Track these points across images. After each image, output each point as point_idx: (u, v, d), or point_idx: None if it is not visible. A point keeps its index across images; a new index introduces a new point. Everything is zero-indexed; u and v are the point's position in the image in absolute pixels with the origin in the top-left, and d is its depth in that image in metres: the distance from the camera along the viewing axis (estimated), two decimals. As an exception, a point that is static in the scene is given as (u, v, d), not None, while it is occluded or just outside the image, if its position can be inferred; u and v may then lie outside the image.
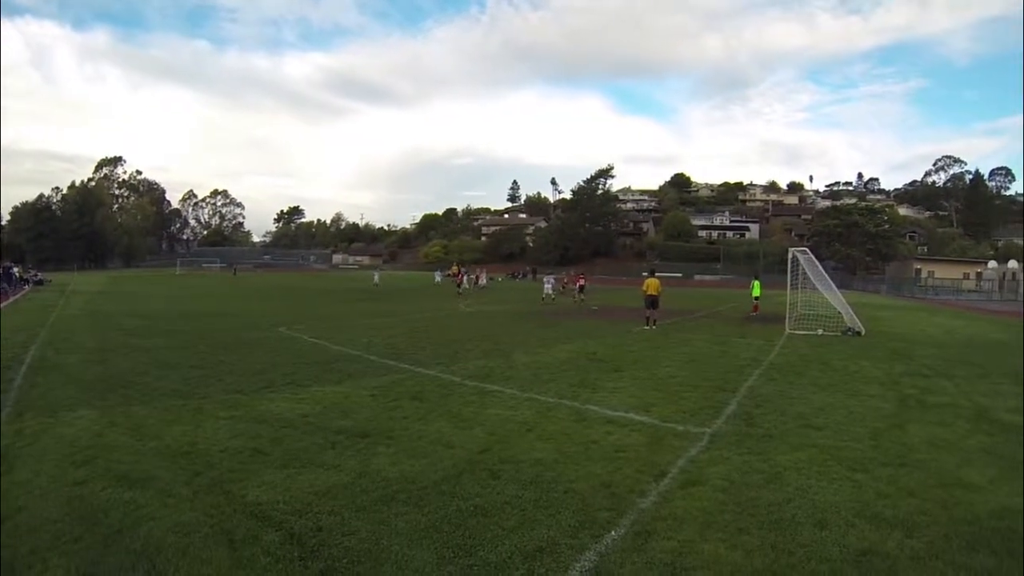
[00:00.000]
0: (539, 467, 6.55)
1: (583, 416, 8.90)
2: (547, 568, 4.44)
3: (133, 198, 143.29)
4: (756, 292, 28.91)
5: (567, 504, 5.55)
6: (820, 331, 20.49)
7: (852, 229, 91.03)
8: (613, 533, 4.97)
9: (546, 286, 38.25)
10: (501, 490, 5.89)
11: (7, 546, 4.75)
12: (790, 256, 23.49)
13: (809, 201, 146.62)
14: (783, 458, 6.94)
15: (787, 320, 21.64)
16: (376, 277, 57.52)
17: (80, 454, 6.94)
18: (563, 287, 42.86)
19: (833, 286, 22.85)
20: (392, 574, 4.41)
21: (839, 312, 21.73)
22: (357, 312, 27.79)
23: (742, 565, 4.50)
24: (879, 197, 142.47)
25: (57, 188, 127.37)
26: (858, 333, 20.34)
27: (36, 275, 55.11)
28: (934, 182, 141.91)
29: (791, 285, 23.02)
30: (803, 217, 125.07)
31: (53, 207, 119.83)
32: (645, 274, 24.27)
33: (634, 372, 12.69)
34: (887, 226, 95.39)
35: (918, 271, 74.82)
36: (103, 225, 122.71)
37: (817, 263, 23.17)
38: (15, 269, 49.21)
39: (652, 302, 21.86)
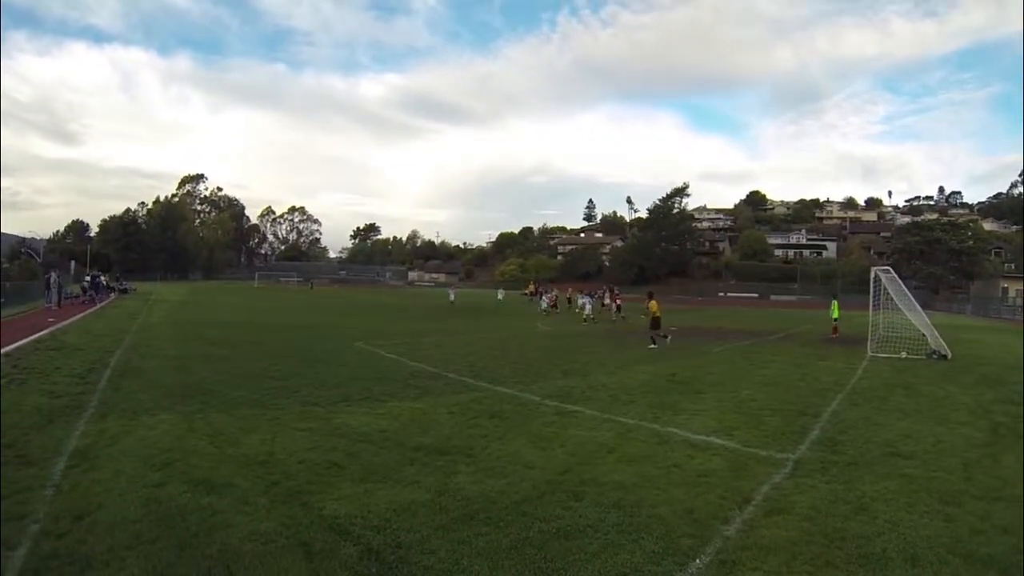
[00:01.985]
0: (621, 490, 6.47)
1: (664, 439, 8.80)
2: None
3: (214, 213, 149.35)
4: (835, 314, 27.82)
5: (650, 529, 5.46)
6: (904, 354, 19.65)
7: (934, 246, 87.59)
8: (698, 561, 4.86)
9: (585, 305, 37.55)
10: (583, 513, 5.81)
11: (85, 541, 4.89)
12: (872, 275, 22.65)
13: (888, 217, 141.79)
14: (870, 488, 6.72)
15: (869, 342, 20.93)
16: (452, 295, 58.00)
17: (159, 457, 7.15)
18: (602, 306, 42.11)
19: (917, 306, 21.94)
20: (472, 595, 4.32)
21: (923, 334, 20.89)
22: (433, 329, 27.96)
23: None
24: (962, 211, 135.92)
25: (143, 203, 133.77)
26: (944, 356, 19.52)
27: (122, 283, 57.65)
28: (1021, 194, 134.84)
29: (873, 305, 22.33)
30: (882, 234, 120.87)
31: (139, 221, 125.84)
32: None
33: (715, 395, 12.48)
34: (971, 242, 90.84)
35: (1005, 289, 70.91)
36: (185, 238, 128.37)
37: (900, 282, 22.21)
38: (103, 277, 51.58)
39: (655, 323, 23.03)
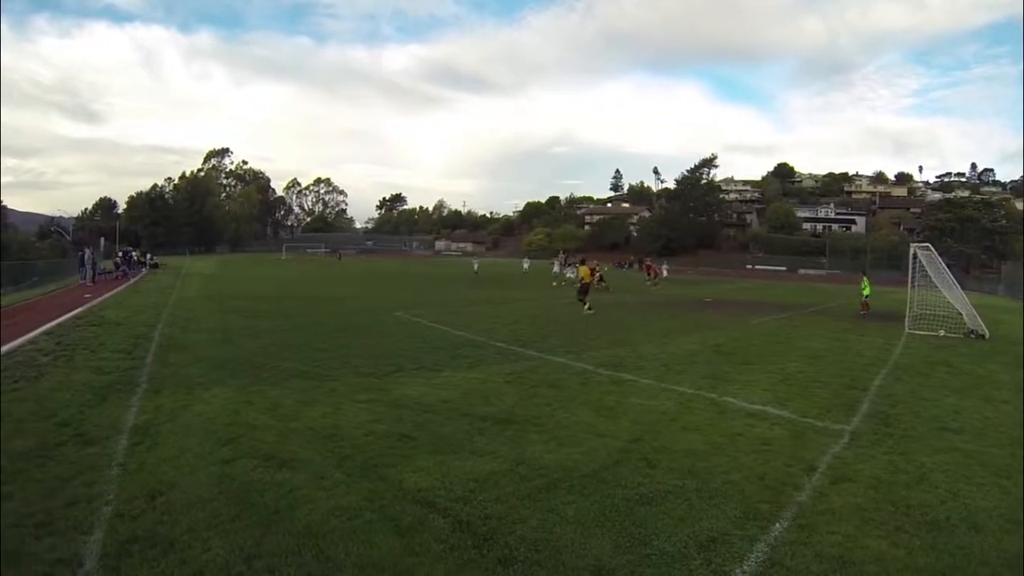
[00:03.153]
0: (692, 457, 6.63)
1: (722, 408, 8.97)
2: (723, 558, 4.48)
3: (240, 187, 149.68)
4: (867, 291, 27.12)
5: (728, 495, 5.63)
6: (942, 332, 19.72)
7: (966, 224, 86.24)
8: (778, 525, 5.04)
9: (567, 271, 36.54)
10: (661, 479, 5.95)
11: (163, 522, 4.74)
12: (911, 252, 22.49)
13: (918, 193, 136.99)
14: (926, 460, 6.90)
15: (906, 319, 20.91)
16: (476, 265, 57.29)
17: (222, 432, 7.03)
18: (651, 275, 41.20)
19: (957, 285, 21.84)
20: (572, 563, 4.33)
21: (959, 312, 20.79)
22: (466, 299, 27.86)
23: (907, 563, 4.54)
24: (994, 189, 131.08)
25: (170, 178, 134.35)
26: (982, 336, 19.43)
27: (152, 259, 58.15)
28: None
29: (911, 283, 22.19)
30: (912, 210, 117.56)
31: (166, 196, 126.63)
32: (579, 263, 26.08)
33: (763, 366, 12.62)
34: (1004, 222, 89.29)
35: (1038, 271, 69.30)
36: (212, 212, 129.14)
37: (940, 260, 22.08)
38: (134, 253, 52.06)
39: (584, 288, 23.21)
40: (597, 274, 31.32)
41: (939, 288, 21.62)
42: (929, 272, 21.72)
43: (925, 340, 18.36)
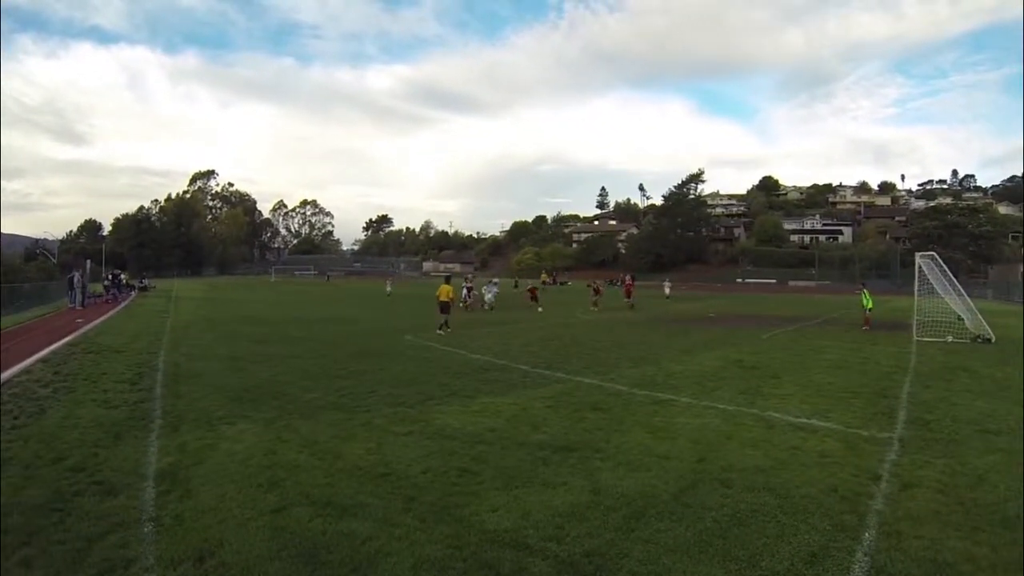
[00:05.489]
0: (762, 474, 6.57)
1: (770, 423, 8.93)
2: (831, 572, 4.45)
3: (226, 209, 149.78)
4: (869, 304, 26.28)
5: (810, 509, 5.59)
6: (949, 338, 20.16)
7: (952, 230, 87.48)
8: (867, 535, 5.04)
9: (487, 293, 34.39)
10: (740, 498, 5.86)
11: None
12: (917, 262, 23.09)
13: (902, 202, 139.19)
14: (978, 462, 7.04)
15: (913, 327, 21.32)
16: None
17: (262, 475, 6.36)
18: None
19: (963, 292, 22.73)
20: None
21: (960, 318, 21.44)
22: (473, 321, 26.98)
23: (994, 560, 4.62)
24: (976, 195, 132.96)
25: (156, 200, 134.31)
26: (988, 340, 19.82)
27: (142, 281, 57.23)
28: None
29: (917, 291, 22.61)
30: (897, 218, 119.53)
31: (152, 218, 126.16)
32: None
33: (791, 379, 12.68)
34: (989, 226, 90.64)
35: (1024, 273, 69.40)
36: (199, 234, 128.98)
37: (944, 267, 22.54)
38: (123, 276, 51.10)
39: (444, 307, 22.40)
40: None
41: (941, 295, 22.06)
42: (931, 280, 22.21)
43: (936, 347, 18.55)
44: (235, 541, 4.76)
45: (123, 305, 36.38)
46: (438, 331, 21.04)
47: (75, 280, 34.11)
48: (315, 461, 6.82)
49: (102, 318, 26.56)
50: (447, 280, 24.35)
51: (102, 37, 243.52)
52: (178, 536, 4.87)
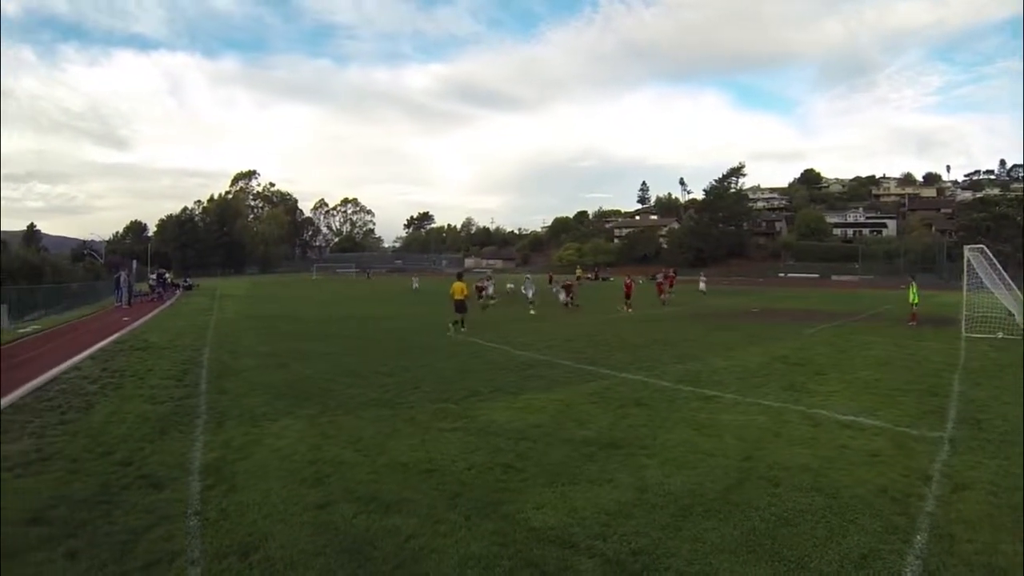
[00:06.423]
0: (810, 473, 6.45)
1: (817, 421, 8.75)
2: (881, 575, 4.37)
3: (268, 208, 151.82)
4: (914, 299, 25.42)
5: (860, 510, 5.48)
6: (1000, 335, 19.49)
7: (1001, 222, 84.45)
8: (918, 537, 4.94)
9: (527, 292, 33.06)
10: (789, 498, 5.76)
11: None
12: (966, 256, 22.42)
13: (948, 193, 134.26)
14: None
15: (962, 322, 20.54)
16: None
17: (306, 470, 6.40)
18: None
19: (1014, 286, 21.81)
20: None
21: (1010, 313, 20.76)
22: (510, 316, 26.95)
23: None
24: None
25: (199, 201, 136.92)
26: None
27: (187, 280, 58.29)
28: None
29: (966, 286, 22.14)
30: (943, 211, 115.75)
31: (196, 219, 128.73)
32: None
33: (837, 376, 12.44)
34: None
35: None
36: (241, 234, 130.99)
37: (994, 261, 22.07)
38: (168, 275, 52.05)
39: (460, 306, 20.98)
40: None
41: (991, 289, 21.67)
42: (980, 274, 21.80)
43: (986, 343, 18.00)
44: (280, 536, 4.78)
45: (168, 303, 37.18)
46: (448, 333, 19.59)
47: (121, 279, 34.91)
48: (359, 457, 6.83)
49: (148, 316, 27.15)
50: (459, 276, 23.21)
51: (143, 44, 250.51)
52: (223, 530, 4.91)
